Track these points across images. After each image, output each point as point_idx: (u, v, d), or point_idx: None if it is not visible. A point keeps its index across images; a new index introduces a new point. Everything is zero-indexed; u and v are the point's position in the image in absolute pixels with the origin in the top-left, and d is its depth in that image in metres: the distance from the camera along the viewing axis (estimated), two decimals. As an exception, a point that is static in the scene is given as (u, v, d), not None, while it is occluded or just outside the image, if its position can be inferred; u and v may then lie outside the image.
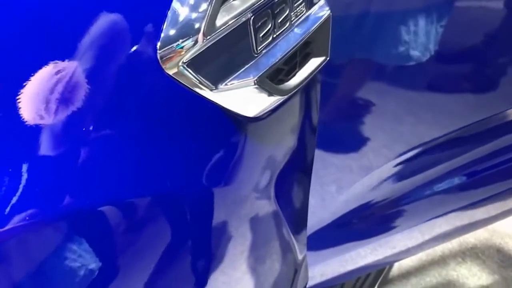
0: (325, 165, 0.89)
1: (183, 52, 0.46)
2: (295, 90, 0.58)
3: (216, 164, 0.56)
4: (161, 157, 0.49)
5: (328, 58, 0.62)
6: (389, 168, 1.00)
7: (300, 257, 0.82)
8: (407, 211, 1.12)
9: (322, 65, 0.62)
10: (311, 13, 0.58)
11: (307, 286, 1.05)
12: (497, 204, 1.18)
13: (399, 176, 1.03)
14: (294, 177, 0.70)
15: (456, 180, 1.13)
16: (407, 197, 1.08)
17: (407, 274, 1.79)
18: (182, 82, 0.47)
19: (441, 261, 1.84)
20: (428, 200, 1.12)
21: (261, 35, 0.52)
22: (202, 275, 0.61)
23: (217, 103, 0.51)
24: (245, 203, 0.64)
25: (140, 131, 0.47)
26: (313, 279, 1.07)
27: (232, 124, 0.55)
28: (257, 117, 0.56)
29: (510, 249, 1.90)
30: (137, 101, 0.46)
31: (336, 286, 1.28)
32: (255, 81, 0.52)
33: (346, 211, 0.97)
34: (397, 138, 0.98)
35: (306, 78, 0.60)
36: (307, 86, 0.64)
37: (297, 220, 0.77)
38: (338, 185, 0.93)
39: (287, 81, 0.58)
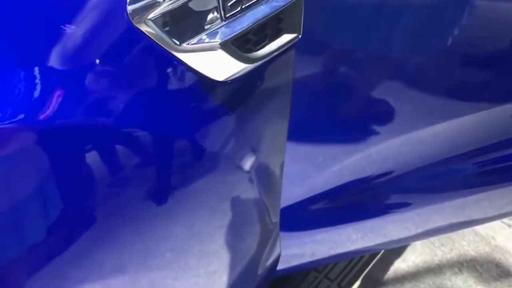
0: (322, 131, 0.92)
1: (150, 9, 0.52)
2: (262, 61, 0.64)
3: (186, 121, 0.61)
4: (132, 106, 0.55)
5: (299, 36, 0.68)
6: (390, 144, 1.01)
7: (273, 220, 0.87)
8: (402, 196, 1.13)
9: (293, 42, 0.67)
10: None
11: (298, 263, 1.10)
12: (497, 203, 1.18)
13: (399, 154, 1.03)
14: (265, 144, 0.75)
15: (459, 171, 1.13)
16: (405, 180, 1.09)
17: (401, 279, 1.81)
18: (150, 37, 0.53)
19: (438, 269, 1.86)
20: (426, 187, 1.13)
21: (229, 4, 0.58)
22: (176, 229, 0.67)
23: (183, 62, 0.57)
24: (214, 166, 0.70)
25: (113, 79, 0.53)
26: (303, 258, 1.11)
27: (201, 86, 0.61)
28: (225, 82, 0.61)
29: (510, 265, 1.90)
30: (110, 52, 0.52)
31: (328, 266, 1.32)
32: (220, 44, 0.58)
33: (340, 183, 0.99)
34: (405, 116, 1.00)
35: (274, 51, 0.65)
36: (280, 60, 0.69)
37: (270, 186, 0.82)
38: (333, 154, 0.95)
39: (255, 51, 0.63)
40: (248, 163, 0.75)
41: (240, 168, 0.73)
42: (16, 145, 0.47)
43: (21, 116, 0.46)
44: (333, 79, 0.84)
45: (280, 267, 1.09)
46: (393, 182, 1.06)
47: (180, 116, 0.61)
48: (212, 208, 0.76)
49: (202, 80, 0.60)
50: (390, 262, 1.85)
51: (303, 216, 0.99)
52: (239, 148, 0.72)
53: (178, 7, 0.53)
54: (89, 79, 0.51)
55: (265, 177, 0.80)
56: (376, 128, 0.96)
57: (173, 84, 0.58)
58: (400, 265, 1.85)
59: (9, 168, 0.48)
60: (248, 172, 0.76)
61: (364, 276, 1.38)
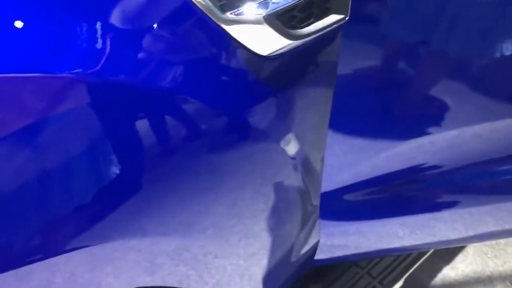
0: (372, 116, 0.91)
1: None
2: (307, 39, 0.65)
3: (229, 94, 0.63)
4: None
5: (347, 18, 0.68)
6: (445, 135, 0.98)
7: (314, 203, 0.87)
8: (454, 193, 1.10)
9: (340, 23, 0.68)
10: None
11: (340, 254, 1.10)
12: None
13: (453, 147, 1.00)
14: (307, 124, 0.76)
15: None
16: (458, 175, 1.06)
17: (449, 286, 1.77)
18: (197, 5, 0.55)
19: (488, 281, 1.80)
20: (479, 186, 1.10)
21: (275, -21, 0.59)
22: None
23: (227, 32, 0.59)
24: (254, 142, 0.71)
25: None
26: (345, 249, 1.11)
27: (244, 60, 0.62)
28: (268, 57, 0.63)
29: None
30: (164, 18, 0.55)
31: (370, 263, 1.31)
32: (264, 17, 0.59)
33: (387, 171, 0.97)
34: (463, 108, 0.97)
35: (320, 31, 0.66)
36: (325, 41, 0.69)
37: (311, 167, 0.82)
38: (382, 140, 0.94)
39: (300, 28, 0.64)
40: (289, 143, 0.75)
41: (281, 147, 0.74)
42: (77, 97, 0.50)
43: (79, 69, 0.49)
44: (385, 67, 0.83)
45: (319, 256, 1.09)
46: (445, 176, 1.04)
47: (224, 89, 0.62)
48: (253, 186, 0.77)
49: (246, 53, 0.62)
50: (438, 269, 1.81)
51: (347, 204, 0.99)
52: (281, 128, 0.73)
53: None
54: (145, 41, 0.54)
55: (306, 158, 0.80)
56: (431, 117, 0.94)
57: (217, 55, 0.60)
58: (449, 273, 1.80)
59: (72, 119, 0.51)
60: (291, 153, 0.77)
61: (408, 277, 1.36)
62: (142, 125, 0.56)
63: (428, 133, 0.96)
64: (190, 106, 0.59)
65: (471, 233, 1.15)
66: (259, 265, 0.93)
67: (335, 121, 0.80)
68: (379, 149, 0.92)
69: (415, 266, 1.37)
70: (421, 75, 0.88)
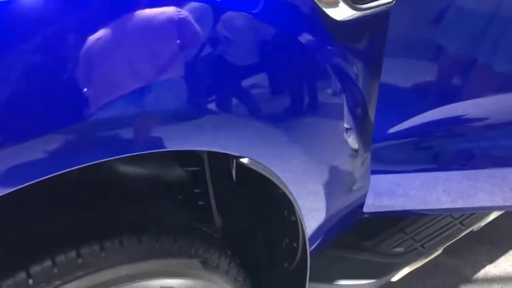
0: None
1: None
2: (366, 11, 0.99)
3: (314, 48, 0.98)
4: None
5: (394, 2, 1.02)
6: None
7: (364, 154, 1.19)
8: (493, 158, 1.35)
9: (389, 5, 1.02)
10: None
11: (388, 210, 1.37)
12: None
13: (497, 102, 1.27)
14: (362, 80, 1.09)
15: None
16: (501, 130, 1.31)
17: (490, 280, 1.97)
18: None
19: (528, 279, 1.99)
20: None
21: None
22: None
23: (317, 3, 0.94)
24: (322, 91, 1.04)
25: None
26: (393, 207, 1.37)
27: (327, 23, 0.98)
28: (341, 22, 0.98)
29: None
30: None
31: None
32: (339, -7, 0.95)
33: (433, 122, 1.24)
34: None
35: (374, 7, 1.00)
36: (380, 15, 1.03)
37: (362, 125, 1.15)
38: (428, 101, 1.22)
39: (361, 4, 0.99)
40: (348, 95, 1.08)
41: (340, 95, 1.07)
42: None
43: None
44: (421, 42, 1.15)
45: (368, 209, 1.38)
46: (487, 132, 1.30)
47: (312, 39, 0.97)
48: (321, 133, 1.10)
49: (327, 19, 0.97)
50: (481, 266, 2.02)
51: (394, 157, 1.28)
52: (343, 78, 1.06)
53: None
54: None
55: (359, 111, 1.13)
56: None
57: (306, 16, 0.96)
58: (492, 270, 2.01)
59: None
60: (347, 104, 1.09)
61: (447, 247, 1.61)
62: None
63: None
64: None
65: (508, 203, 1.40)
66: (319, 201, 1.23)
67: (385, 82, 1.13)
68: (425, 106, 1.22)
69: (454, 239, 1.62)
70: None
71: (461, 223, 1.61)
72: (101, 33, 0.70)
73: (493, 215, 1.69)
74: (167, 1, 0.76)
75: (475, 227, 1.64)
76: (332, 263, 1.46)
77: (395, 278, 1.49)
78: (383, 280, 1.46)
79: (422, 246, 1.53)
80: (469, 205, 1.45)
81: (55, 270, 0.85)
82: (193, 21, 0.78)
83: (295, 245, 1.22)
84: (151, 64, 0.74)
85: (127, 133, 0.74)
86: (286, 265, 1.29)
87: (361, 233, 1.55)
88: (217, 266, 1.07)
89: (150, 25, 0.74)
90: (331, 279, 1.42)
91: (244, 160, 0.93)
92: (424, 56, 1.14)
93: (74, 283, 0.87)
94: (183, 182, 1.24)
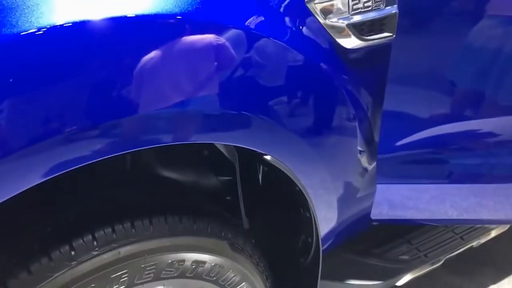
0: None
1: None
2: (369, 42, 1.23)
3: (329, 73, 1.22)
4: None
5: (394, 35, 1.26)
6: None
7: (370, 164, 1.40)
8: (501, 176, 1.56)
9: (389, 38, 1.25)
10: (386, 7, 1.23)
11: (395, 218, 1.56)
12: None
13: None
14: (370, 99, 1.32)
15: None
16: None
17: None
18: (311, 11, 1.16)
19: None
20: None
21: (353, 5, 1.19)
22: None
23: (328, 31, 1.18)
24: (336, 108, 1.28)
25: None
26: (403, 217, 1.58)
27: (337, 50, 1.22)
28: (350, 49, 1.22)
29: None
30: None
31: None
32: (347, 25, 1.18)
33: (440, 134, 1.45)
34: None
35: (378, 39, 1.24)
36: (382, 46, 1.26)
37: (368, 135, 1.37)
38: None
39: (366, 36, 1.23)
40: (355, 108, 1.31)
41: (349, 110, 1.30)
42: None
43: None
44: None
45: (376, 217, 1.57)
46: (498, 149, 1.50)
47: (324, 62, 1.21)
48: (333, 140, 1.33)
49: (338, 47, 1.21)
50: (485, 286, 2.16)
51: (401, 168, 1.49)
52: (352, 95, 1.29)
53: (327, 3, 1.16)
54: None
55: (367, 123, 1.35)
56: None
57: (322, 44, 1.20)
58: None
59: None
60: (354, 115, 1.32)
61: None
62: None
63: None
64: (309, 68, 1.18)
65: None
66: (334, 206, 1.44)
67: (390, 98, 1.34)
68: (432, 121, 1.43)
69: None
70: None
71: (461, 237, 1.79)
72: (162, 51, 0.95)
73: (494, 233, 1.86)
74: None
75: (475, 243, 1.81)
76: (344, 265, 1.65)
77: (400, 282, 1.67)
78: (389, 283, 1.65)
79: (425, 255, 1.71)
80: (472, 219, 1.64)
81: (114, 236, 1.09)
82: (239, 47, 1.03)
83: (310, 240, 1.43)
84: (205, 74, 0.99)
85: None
86: (302, 260, 1.49)
87: (371, 242, 1.75)
88: (242, 249, 1.29)
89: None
90: (342, 279, 1.62)
91: (267, 157, 1.16)
92: (422, 81, 1.37)
93: (127, 248, 1.10)
94: (217, 188, 1.48)
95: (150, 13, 0.91)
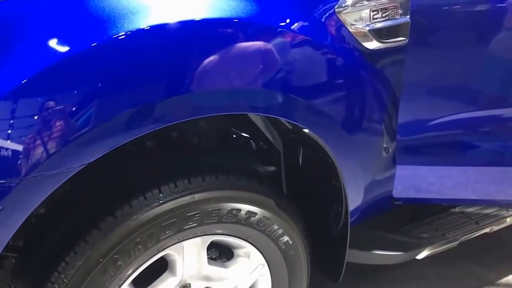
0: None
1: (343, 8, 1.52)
2: (386, 45, 1.58)
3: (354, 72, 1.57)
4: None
5: (407, 40, 1.60)
6: None
7: (389, 147, 1.73)
8: None
9: (403, 42, 1.60)
10: (401, 16, 1.58)
11: (414, 197, 1.87)
12: None
13: None
14: (387, 90, 1.66)
15: None
16: None
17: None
18: (340, 19, 1.52)
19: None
20: None
21: (373, 15, 1.55)
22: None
23: (355, 37, 1.54)
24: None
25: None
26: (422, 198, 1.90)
27: (361, 51, 1.57)
28: (372, 50, 1.57)
29: None
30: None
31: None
32: (368, 30, 1.54)
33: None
34: None
35: (394, 42, 1.59)
36: (398, 49, 1.61)
37: (388, 122, 1.70)
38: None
39: (384, 39, 1.58)
40: (376, 98, 1.65)
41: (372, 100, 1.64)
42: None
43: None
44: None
45: (399, 195, 1.87)
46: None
47: (350, 62, 1.56)
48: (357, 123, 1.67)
49: (362, 47, 1.56)
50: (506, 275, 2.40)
51: (421, 150, 1.80)
52: (375, 91, 1.64)
53: (354, 12, 1.52)
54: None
55: (388, 114, 1.68)
56: None
57: (349, 45, 1.55)
58: (513, 278, 2.39)
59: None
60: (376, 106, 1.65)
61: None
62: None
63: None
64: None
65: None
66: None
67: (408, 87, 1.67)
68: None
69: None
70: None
71: (476, 222, 2.06)
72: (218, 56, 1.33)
73: (510, 220, 2.12)
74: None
75: (489, 229, 2.08)
76: (372, 238, 1.96)
77: (420, 256, 1.96)
78: (410, 255, 1.94)
79: (442, 234, 2.00)
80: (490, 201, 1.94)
81: (190, 185, 1.46)
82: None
83: (340, 209, 1.76)
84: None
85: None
86: (334, 227, 1.82)
87: (397, 222, 2.05)
88: (285, 209, 1.63)
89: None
90: (369, 249, 1.93)
91: (306, 130, 1.52)
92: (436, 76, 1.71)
93: (200, 194, 1.46)
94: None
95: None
